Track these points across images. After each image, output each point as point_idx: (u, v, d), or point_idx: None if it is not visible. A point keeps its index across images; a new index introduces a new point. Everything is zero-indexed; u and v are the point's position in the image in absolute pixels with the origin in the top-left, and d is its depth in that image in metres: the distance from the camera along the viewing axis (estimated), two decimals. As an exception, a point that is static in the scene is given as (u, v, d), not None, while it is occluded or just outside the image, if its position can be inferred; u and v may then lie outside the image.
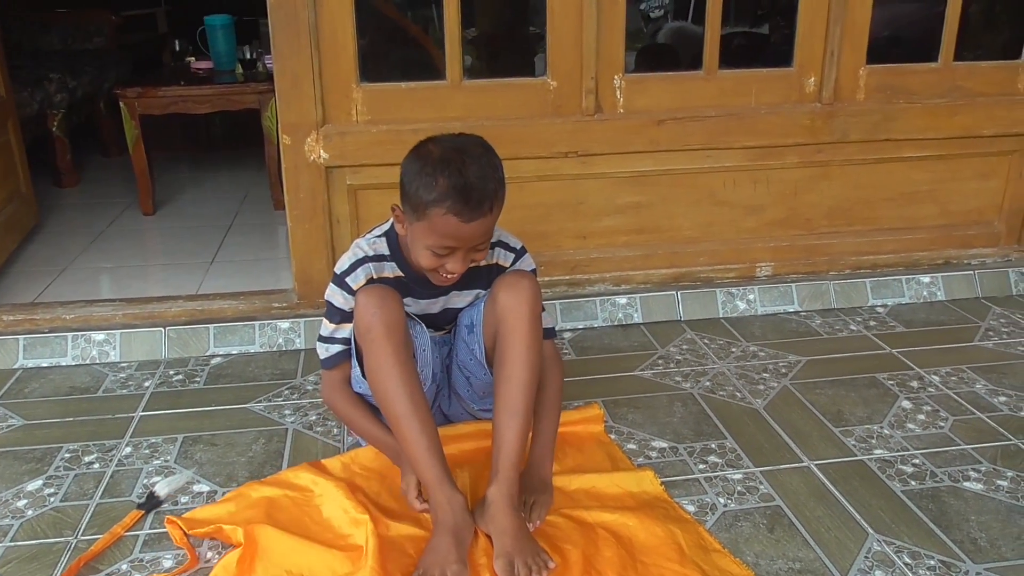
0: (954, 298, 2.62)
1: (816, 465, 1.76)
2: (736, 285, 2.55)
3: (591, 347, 2.34)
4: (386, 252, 1.63)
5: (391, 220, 1.63)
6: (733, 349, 2.31)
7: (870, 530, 1.55)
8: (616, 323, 2.47)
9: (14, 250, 2.93)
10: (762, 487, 1.68)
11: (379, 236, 1.65)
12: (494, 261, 1.68)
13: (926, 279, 2.62)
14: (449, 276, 1.54)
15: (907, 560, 1.47)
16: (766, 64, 2.50)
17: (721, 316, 2.52)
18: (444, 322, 1.73)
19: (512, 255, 1.70)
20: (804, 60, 2.45)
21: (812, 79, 2.46)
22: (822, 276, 2.62)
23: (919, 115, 2.52)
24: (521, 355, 1.52)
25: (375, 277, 1.60)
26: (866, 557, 1.48)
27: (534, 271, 1.71)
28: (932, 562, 1.46)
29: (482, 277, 1.68)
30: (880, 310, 2.56)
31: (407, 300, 1.61)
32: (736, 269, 2.59)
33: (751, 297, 2.54)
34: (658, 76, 2.42)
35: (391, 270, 1.63)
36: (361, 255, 1.61)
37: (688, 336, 2.39)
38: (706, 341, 2.36)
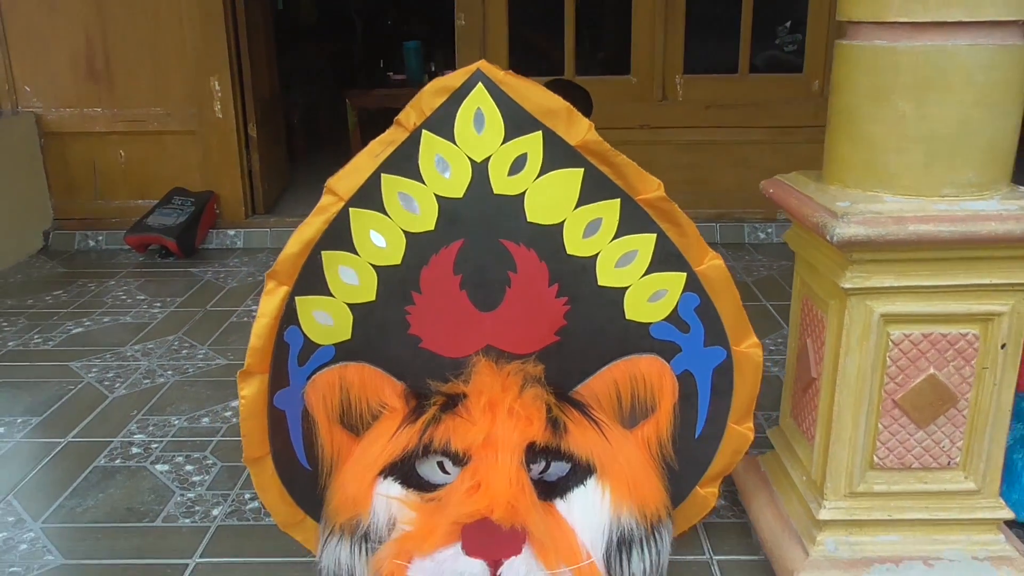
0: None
1: (771, 305, 2.88)
2: (760, 222, 3.67)
3: (650, 253, 3.52)
4: None
5: None
6: (746, 258, 3.44)
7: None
8: (671, 242, 3.64)
9: (279, 194, 4.43)
10: (730, 309, 2.83)
11: None
12: None
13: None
14: None
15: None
16: (784, 71, 3.65)
17: (747, 242, 3.64)
18: None
19: None
20: (811, 68, 3.56)
21: (816, 82, 3.57)
22: (825, 221, 3.68)
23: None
24: None
25: None
26: (775, 333, 2.61)
27: None
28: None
29: None
30: (864, 244, 3.60)
31: None
32: (761, 212, 3.71)
33: (769, 230, 3.65)
34: (706, 76, 3.62)
35: None
36: None
37: (719, 251, 3.53)
38: (729, 253, 3.49)
